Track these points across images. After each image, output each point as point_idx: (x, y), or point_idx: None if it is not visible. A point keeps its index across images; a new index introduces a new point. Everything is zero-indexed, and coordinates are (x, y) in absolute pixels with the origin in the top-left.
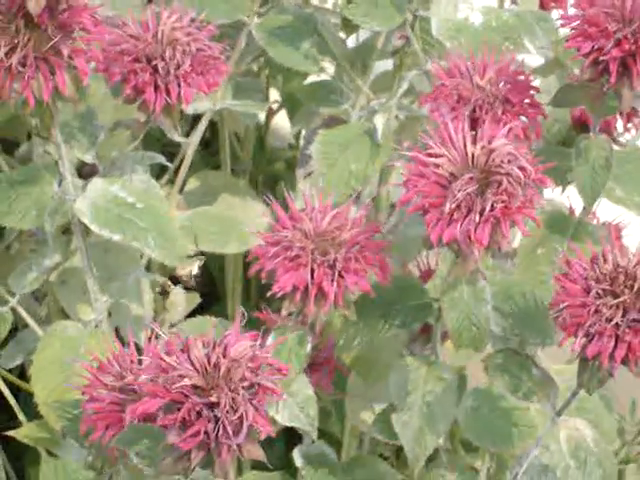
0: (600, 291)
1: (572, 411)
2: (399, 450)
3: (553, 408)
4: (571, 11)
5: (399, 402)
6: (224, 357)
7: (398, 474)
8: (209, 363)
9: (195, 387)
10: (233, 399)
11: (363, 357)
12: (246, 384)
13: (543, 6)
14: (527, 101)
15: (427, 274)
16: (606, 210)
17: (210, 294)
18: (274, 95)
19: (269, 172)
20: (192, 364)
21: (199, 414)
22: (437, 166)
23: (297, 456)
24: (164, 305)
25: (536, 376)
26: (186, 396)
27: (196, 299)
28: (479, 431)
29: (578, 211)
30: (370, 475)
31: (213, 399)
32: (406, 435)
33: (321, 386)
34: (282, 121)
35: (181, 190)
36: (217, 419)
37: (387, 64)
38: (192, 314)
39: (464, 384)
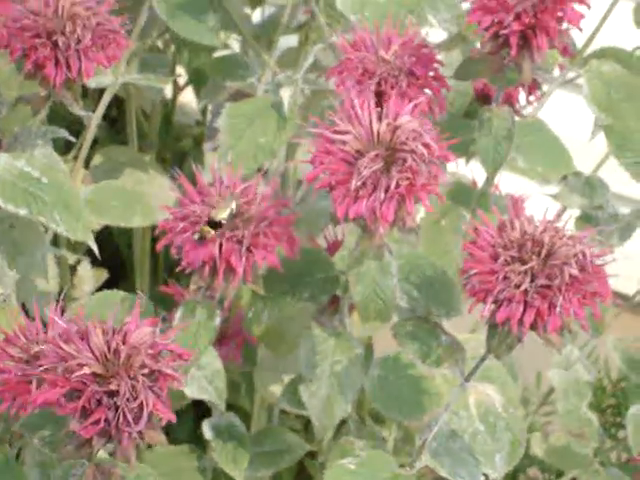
0: (508, 258)
1: (477, 379)
2: (308, 422)
3: (462, 374)
4: None
5: (307, 373)
6: (124, 344)
7: (306, 445)
8: (109, 350)
9: (95, 375)
10: (133, 387)
11: (273, 330)
12: (146, 371)
13: None
14: (431, 74)
15: (335, 245)
16: (508, 184)
17: (118, 271)
18: (181, 72)
19: (177, 149)
20: (92, 351)
21: (99, 402)
22: (343, 143)
23: (206, 428)
24: (72, 280)
25: (445, 343)
26: (86, 384)
27: (103, 275)
28: (386, 400)
29: (481, 183)
30: (279, 446)
31: (113, 387)
32: (314, 405)
33: (230, 359)
34: (189, 98)
35: (87, 166)
36: (117, 407)
37: (293, 41)
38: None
39: (371, 354)
